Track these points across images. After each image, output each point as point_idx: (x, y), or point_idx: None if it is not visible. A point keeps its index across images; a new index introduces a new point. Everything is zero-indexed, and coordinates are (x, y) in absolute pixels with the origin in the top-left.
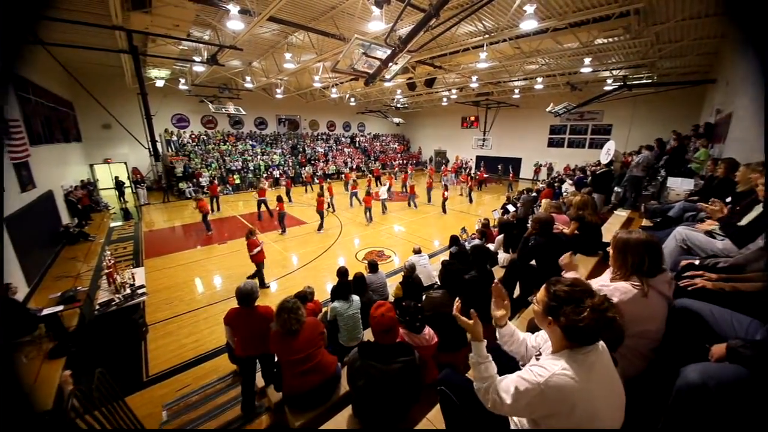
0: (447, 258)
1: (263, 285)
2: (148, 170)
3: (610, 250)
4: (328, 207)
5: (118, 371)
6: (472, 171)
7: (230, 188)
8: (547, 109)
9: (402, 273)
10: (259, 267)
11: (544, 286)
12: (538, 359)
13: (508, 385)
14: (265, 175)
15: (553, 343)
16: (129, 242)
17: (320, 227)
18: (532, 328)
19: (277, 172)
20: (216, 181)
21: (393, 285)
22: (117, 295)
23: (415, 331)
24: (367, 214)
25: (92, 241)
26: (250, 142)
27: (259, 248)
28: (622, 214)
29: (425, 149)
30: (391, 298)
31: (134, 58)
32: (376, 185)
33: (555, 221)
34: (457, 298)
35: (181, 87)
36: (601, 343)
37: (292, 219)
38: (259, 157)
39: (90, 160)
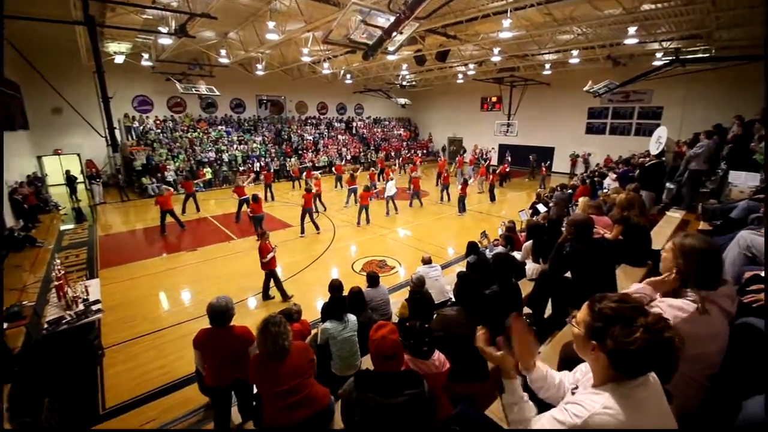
0: (464, 269)
1: (286, 297)
2: (104, 163)
3: (665, 254)
4: (314, 210)
5: (70, 401)
6: (491, 162)
7: (201, 184)
8: (585, 89)
9: (408, 287)
10: (273, 276)
11: (586, 304)
12: (574, 393)
13: (543, 427)
14: (243, 168)
15: (595, 374)
16: (82, 249)
17: (317, 227)
18: (568, 356)
19: (258, 164)
20: (191, 177)
21: (397, 302)
22: (68, 312)
23: (421, 357)
24: (363, 214)
25: (40, 247)
26: (225, 129)
27: (272, 254)
28: (675, 216)
29: (437, 136)
30: (395, 318)
31: (90, 30)
32: (380, 180)
33: (595, 224)
34: (481, 328)
35: (145, 63)
36: (653, 374)
37: (275, 221)
38: (235, 146)
39: (38, 151)
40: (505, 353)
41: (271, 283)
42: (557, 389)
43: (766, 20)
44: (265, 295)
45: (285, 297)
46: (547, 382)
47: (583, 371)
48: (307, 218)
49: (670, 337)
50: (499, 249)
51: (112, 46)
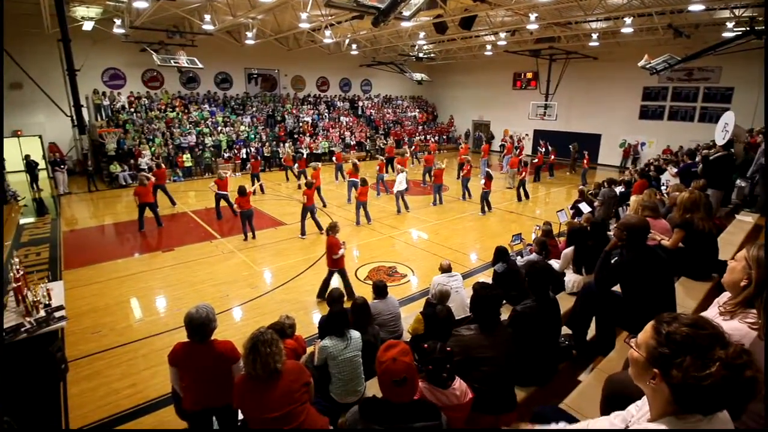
0: (489, 280)
1: (352, 296)
2: (70, 147)
3: (733, 264)
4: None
5: (30, 420)
6: (523, 152)
7: (180, 173)
8: (640, 64)
9: (424, 300)
10: (341, 275)
11: (651, 324)
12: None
13: None
14: (227, 155)
15: (653, 407)
16: (44, 246)
17: (319, 227)
18: (616, 393)
19: (245, 150)
20: (164, 165)
21: (410, 317)
22: (28, 319)
23: (440, 386)
24: (361, 211)
25: None
26: (208, 108)
27: (342, 251)
28: (746, 219)
29: (459, 120)
30: (407, 336)
31: None
32: (388, 171)
33: (650, 228)
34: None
35: (117, 31)
36: (723, 411)
37: (265, 218)
38: (220, 128)
39: None
40: None
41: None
42: None
43: (766, 20)
44: (322, 295)
45: (351, 295)
46: None
47: (639, 406)
48: (308, 216)
49: (752, 376)
50: (533, 256)
51: (80, 11)
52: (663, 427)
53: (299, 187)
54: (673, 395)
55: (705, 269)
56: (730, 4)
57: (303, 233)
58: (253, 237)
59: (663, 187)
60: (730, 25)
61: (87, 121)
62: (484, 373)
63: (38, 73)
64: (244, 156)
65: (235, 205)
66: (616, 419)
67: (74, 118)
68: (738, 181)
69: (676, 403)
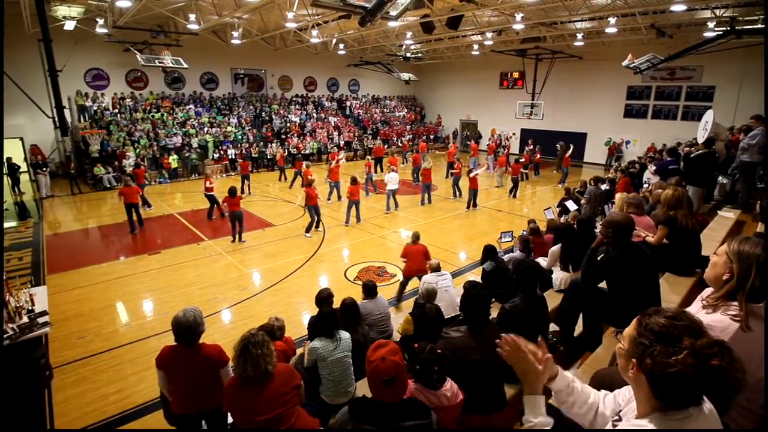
0: (478, 278)
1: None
2: (52, 149)
3: (715, 258)
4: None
5: (14, 428)
6: (509, 150)
7: (165, 174)
8: (624, 63)
9: (413, 300)
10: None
11: (636, 318)
12: (615, 426)
13: None
14: (216, 156)
15: (638, 401)
16: (26, 250)
17: (308, 228)
18: (603, 386)
19: (233, 151)
20: (144, 164)
21: (399, 317)
22: (10, 325)
23: (430, 387)
24: (352, 211)
25: None
26: (194, 109)
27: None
28: (728, 216)
29: (447, 119)
30: (397, 336)
31: None
32: (377, 171)
33: (635, 225)
34: (510, 335)
35: (100, 30)
36: (709, 406)
37: (253, 219)
38: (206, 129)
39: None
40: (542, 360)
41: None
42: (588, 409)
43: (766, 20)
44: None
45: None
46: (574, 396)
47: (627, 398)
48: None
49: (719, 365)
50: (516, 254)
51: (62, 10)
52: (650, 426)
53: (290, 186)
54: (650, 386)
55: (688, 265)
56: (711, 4)
57: (317, 226)
58: (241, 240)
59: (645, 185)
60: (711, 24)
61: (69, 123)
62: (474, 375)
63: (18, 74)
64: (232, 156)
65: (223, 205)
66: (600, 397)
67: (56, 119)
68: (720, 178)
69: (655, 396)
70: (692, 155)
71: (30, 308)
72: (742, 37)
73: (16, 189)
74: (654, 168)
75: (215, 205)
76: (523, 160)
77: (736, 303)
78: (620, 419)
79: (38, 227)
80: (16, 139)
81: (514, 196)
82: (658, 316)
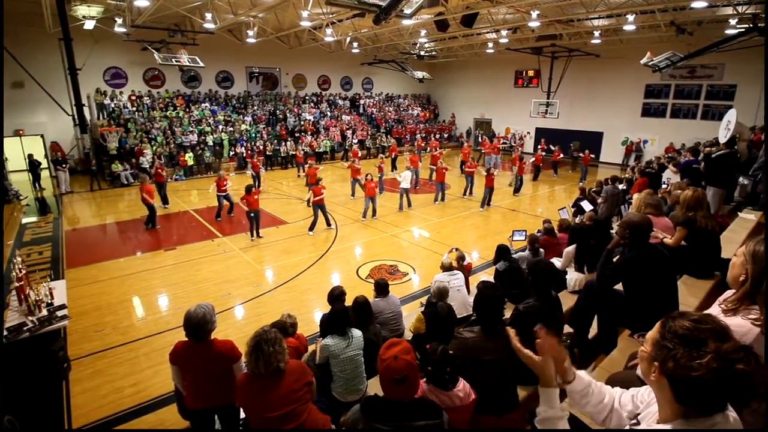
0: (493, 277)
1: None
2: (71, 146)
3: (735, 259)
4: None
5: (33, 419)
6: (523, 150)
7: (181, 172)
8: (642, 61)
9: (425, 299)
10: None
11: (660, 321)
12: (633, 428)
13: None
14: (231, 154)
15: (660, 405)
16: (46, 245)
17: (312, 226)
18: (615, 384)
19: (242, 150)
20: (161, 161)
21: (411, 315)
22: (30, 318)
23: (442, 387)
24: (370, 205)
25: None
26: (210, 107)
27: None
28: (749, 217)
29: (461, 118)
30: (409, 335)
31: None
32: (394, 170)
33: (653, 226)
34: (512, 329)
35: (118, 29)
36: (734, 414)
37: (267, 217)
38: (221, 127)
39: None
40: (546, 352)
41: None
42: (603, 408)
43: (766, 21)
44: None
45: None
46: (590, 396)
47: (645, 400)
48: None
49: (743, 370)
50: (525, 254)
51: (81, 10)
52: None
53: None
54: (672, 389)
55: (707, 267)
56: (733, 1)
57: (327, 224)
58: (259, 236)
59: (664, 185)
60: (733, 22)
61: (89, 120)
62: (487, 376)
63: (40, 73)
64: (244, 155)
65: (242, 202)
66: (623, 397)
67: (76, 117)
68: (741, 179)
69: (677, 401)
70: (713, 155)
71: (49, 301)
72: (765, 34)
73: (36, 185)
74: (675, 168)
75: (231, 204)
76: (534, 159)
77: (756, 307)
78: (638, 422)
79: (58, 222)
80: (37, 137)
81: (516, 192)
82: (682, 319)
